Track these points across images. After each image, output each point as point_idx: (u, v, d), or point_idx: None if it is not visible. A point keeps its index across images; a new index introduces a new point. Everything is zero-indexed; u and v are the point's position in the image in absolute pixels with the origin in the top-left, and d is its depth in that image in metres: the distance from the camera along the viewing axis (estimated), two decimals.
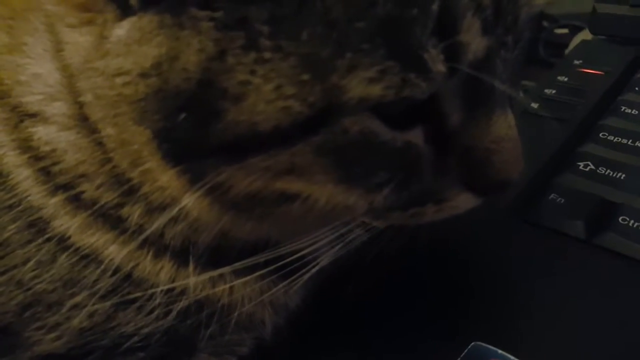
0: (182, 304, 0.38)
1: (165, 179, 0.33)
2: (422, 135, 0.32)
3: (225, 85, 0.28)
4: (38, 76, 0.36)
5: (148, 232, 0.36)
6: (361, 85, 0.28)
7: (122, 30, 0.30)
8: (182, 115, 0.29)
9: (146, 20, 0.29)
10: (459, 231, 0.51)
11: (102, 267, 0.36)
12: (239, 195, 0.32)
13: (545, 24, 1.11)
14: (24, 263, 0.36)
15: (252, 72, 0.28)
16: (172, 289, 0.38)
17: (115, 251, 0.37)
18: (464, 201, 0.36)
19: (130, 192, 0.35)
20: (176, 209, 0.34)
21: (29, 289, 0.36)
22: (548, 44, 1.07)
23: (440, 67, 0.29)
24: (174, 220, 0.36)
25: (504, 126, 0.33)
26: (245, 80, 0.28)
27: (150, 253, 0.37)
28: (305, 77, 0.28)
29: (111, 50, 0.30)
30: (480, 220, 0.51)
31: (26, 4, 0.36)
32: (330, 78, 0.27)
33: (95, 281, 0.36)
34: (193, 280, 0.38)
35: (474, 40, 0.29)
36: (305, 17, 0.27)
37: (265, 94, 0.28)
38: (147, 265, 0.37)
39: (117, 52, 0.30)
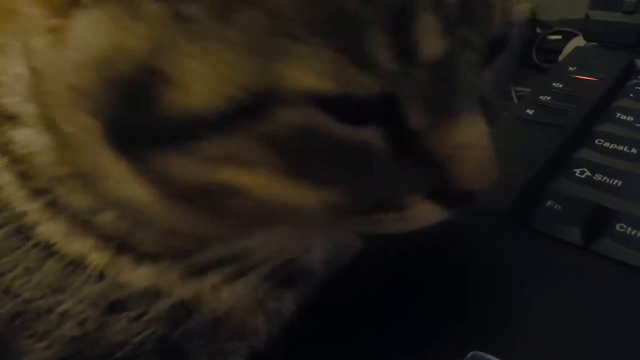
0: (165, 308, 0.37)
1: (116, 171, 0.32)
2: (378, 134, 0.31)
3: (166, 71, 0.28)
4: (18, 77, 0.35)
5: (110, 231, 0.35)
6: (302, 75, 0.27)
7: (79, 27, 0.29)
8: (126, 102, 0.29)
9: (100, 14, 0.29)
10: (454, 236, 0.51)
11: (88, 273, 0.36)
12: (184, 186, 0.31)
13: (538, 30, 1.11)
14: (12, 270, 0.35)
15: (193, 57, 0.27)
16: (158, 296, 0.37)
17: (97, 257, 0.36)
18: (425, 212, 0.34)
19: (97, 193, 0.35)
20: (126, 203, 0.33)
21: (18, 295, 0.36)
22: (541, 50, 1.08)
23: (388, 65, 0.28)
24: (136, 220, 0.36)
25: (471, 133, 0.31)
26: (185, 65, 0.27)
27: (131, 258, 0.37)
28: (245, 63, 0.27)
29: (68, 47, 0.30)
30: (475, 224, 0.51)
31: (9, 4, 0.36)
32: (271, 66, 0.27)
33: (82, 287, 0.36)
34: (176, 286, 0.37)
35: (430, 39, 0.28)
36: (247, 4, 0.27)
37: (204, 78, 0.27)
38: (129, 270, 0.37)
39: (73, 48, 0.30)
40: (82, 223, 0.36)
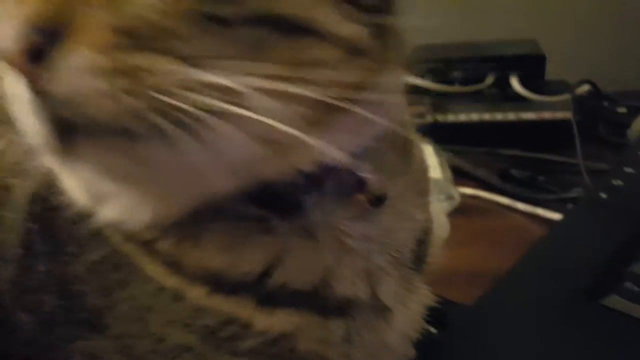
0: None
1: None
2: None
3: None
4: None
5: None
6: None
7: None
8: None
9: None
10: (533, 314, 0.57)
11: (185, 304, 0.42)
12: None
13: (605, 103, 1.16)
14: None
15: None
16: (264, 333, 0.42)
17: (195, 293, 0.42)
18: None
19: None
20: None
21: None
22: (608, 123, 1.12)
23: None
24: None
25: None
26: None
27: (206, 290, 0.42)
28: None
29: None
30: (554, 305, 0.57)
31: None
32: None
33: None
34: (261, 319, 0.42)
35: None
36: None
37: None
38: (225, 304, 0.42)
39: None
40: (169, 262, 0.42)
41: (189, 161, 0.32)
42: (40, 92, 0.30)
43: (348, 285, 0.44)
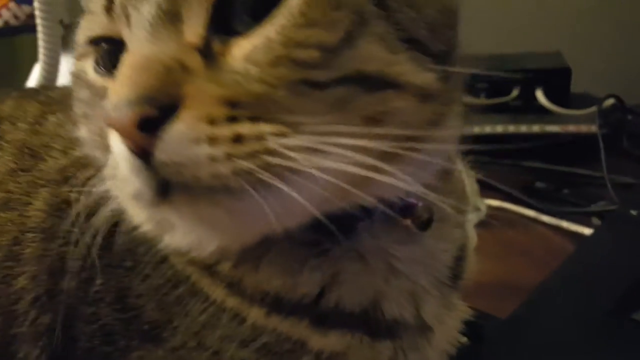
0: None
1: None
2: None
3: None
4: None
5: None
6: None
7: None
8: None
9: None
10: (566, 327, 0.58)
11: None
12: None
13: (630, 117, 1.17)
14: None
15: None
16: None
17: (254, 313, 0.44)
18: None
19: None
20: None
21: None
22: (633, 137, 1.14)
23: None
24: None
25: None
26: None
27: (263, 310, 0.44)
28: None
29: None
30: (586, 317, 0.58)
31: None
32: None
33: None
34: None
35: None
36: None
37: None
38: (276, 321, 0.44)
39: None
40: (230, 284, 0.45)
41: (272, 209, 0.34)
42: (144, 157, 0.33)
43: (396, 307, 0.46)
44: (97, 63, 0.42)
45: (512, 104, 1.18)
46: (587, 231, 0.86)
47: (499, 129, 1.12)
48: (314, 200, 0.35)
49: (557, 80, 1.18)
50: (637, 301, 0.59)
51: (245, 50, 0.34)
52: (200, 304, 0.45)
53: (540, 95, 1.18)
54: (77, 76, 0.45)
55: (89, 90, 0.43)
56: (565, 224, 0.90)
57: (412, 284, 0.47)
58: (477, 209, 0.93)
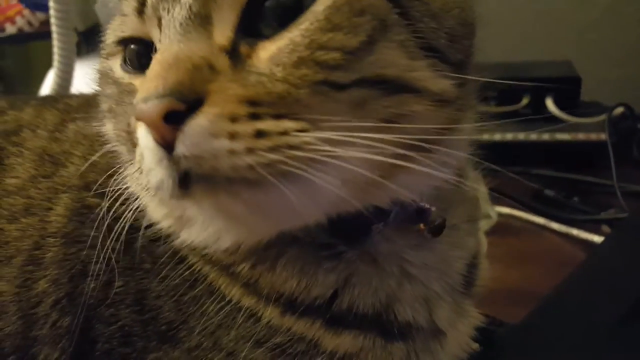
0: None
1: None
2: None
3: None
4: None
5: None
6: None
7: None
8: None
9: None
10: (577, 334, 0.59)
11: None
12: None
13: (639, 125, 1.17)
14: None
15: None
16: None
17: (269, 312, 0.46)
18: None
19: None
20: None
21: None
22: None
23: None
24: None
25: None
26: None
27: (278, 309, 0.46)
28: None
29: None
30: (596, 325, 0.59)
31: None
32: None
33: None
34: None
35: None
36: None
37: None
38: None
39: None
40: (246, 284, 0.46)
41: (288, 201, 0.36)
42: (168, 148, 0.35)
43: (409, 310, 0.47)
44: (124, 62, 0.44)
45: (522, 112, 1.18)
46: (597, 239, 0.87)
47: (509, 136, 1.13)
48: (332, 195, 0.37)
49: (567, 88, 1.18)
50: None
51: (270, 52, 0.36)
52: (216, 303, 0.46)
53: (550, 103, 1.18)
54: (104, 74, 0.47)
55: (115, 87, 0.45)
56: (575, 232, 0.90)
57: (425, 288, 0.48)
58: (488, 216, 0.94)
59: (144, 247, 0.48)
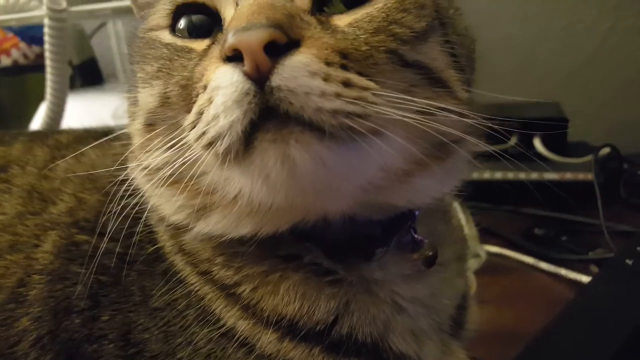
0: None
1: None
2: None
3: None
4: None
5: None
6: None
7: None
8: None
9: None
10: None
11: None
12: None
13: (625, 165, 1.19)
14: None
15: None
16: None
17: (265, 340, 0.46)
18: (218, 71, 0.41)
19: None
20: None
21: None
22: (629, 186, 1.15)
23: None
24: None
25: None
26: None
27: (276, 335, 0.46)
28: None
29: None
30: None
31: None
32: None
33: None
34: None
35: None
36: None
37: None
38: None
39: None
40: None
41: (346, 162, 0.39)
42: (258, 81, 0.36)
43: (402, 341, 0.47)
44: (172, 30, 0.47)
45: (510, 151, 1.19)
46: (585, 279, 0.87)
47: (498, 175, 1.14)
48: (372, 174, 0.41)
49: (554, 129, 1.20)
50: (635, 351, 0.60)
51: (348, 21, 0.41)
52: (206, 331, 0.46)
53: (538, 143, 1.20)
54: (148, 41, 0.48)
55: (166, 50, 0.46)
56: (563, 271, 0.91)
57: (413, 323, 0.48)
58: (477, 255, 0.94)
59: (134, 280, 0.48)
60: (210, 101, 0.38)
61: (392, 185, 0.43)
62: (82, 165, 0.54)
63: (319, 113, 0.37)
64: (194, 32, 0.46)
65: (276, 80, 0.36)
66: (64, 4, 1.01)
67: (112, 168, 0.47)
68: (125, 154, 0.48)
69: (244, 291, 0.46)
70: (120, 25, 1.49)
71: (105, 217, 0.47)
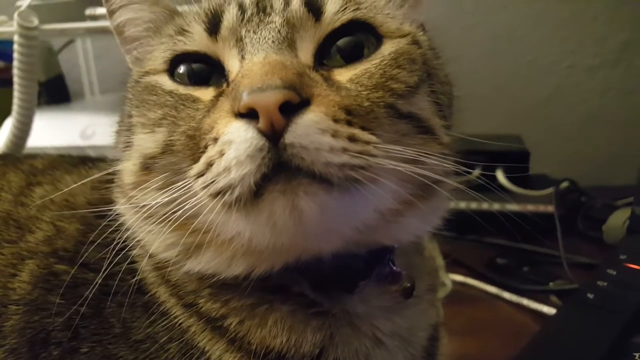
0: None
1: None
2: None
3: None
4: None
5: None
6: None
7: None
8: None
9: None
10: None
11: None
12: None
13: (583, 198, 1.23)
14: None
15: None
16: None
17: None
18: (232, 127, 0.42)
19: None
20: None
21: None
22: (586, 218, 1.19)
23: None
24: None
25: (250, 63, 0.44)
26: None
27: None
28: None
29: None
30: None
31: None
32: None
33: None
34: None
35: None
36: None
37: None
38: None
39: None
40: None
41: (349, 208, 0.41)
42: (272, 138, 0.38)
43: None
44: (171, 76, 0.48)
45: (473, 182, 1.22)
46: (546, 309, 0.90)
47: (462, 205, 1.16)
48: (366, 216, 0.43)
49: (516, 161, 1.24)
50: None
51: (348, 76, 0.43)
52: None
53: (500, 175, 1.23)
54: (149, 87, 0.48)
55: (170, 97, 0.46)
56: (525, 302, 0.93)
57: (391, 357, 0.49)
58: (443, 284, 0.96)
59: (114, 311, 0.47)
60: (221, 154, 0.39)
61: (382, 225, 0.45)
62: (60, 193, 0.53)
63: (328, 167, 0.39)
64: (193, 78, 0.47)
65: (290, 137, 0.38)
66: (35, 22, 1.00)
67: (96, 203, 0.48)
68: (111, 189, 0.49)
69: (230, 324, 0.47)
70: (89, 42, 1.48)
71: (85, 247, 0.46)
